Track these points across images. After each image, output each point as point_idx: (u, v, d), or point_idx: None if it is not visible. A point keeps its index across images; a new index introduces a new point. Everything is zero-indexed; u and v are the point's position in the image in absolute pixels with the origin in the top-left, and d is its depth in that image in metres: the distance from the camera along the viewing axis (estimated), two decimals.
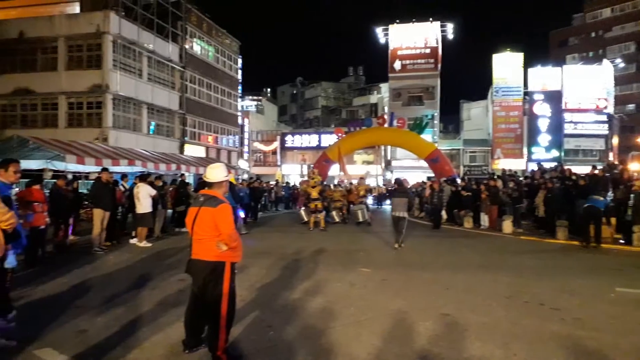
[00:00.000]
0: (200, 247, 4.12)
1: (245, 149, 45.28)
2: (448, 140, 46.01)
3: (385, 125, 27.78)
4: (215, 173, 4.30)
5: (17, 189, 10.38)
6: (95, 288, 7.03)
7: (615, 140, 44.89)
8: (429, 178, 28.81)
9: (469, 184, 18.25)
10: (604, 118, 42.21)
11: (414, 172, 38.64)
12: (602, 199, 11.71)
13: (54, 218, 10.11)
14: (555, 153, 40.83)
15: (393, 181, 12.55)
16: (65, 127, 23.25)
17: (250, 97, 58.06)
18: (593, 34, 61.26)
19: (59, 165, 15.93)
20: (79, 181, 14.50)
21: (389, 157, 43.62)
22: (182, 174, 17.97)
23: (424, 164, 28.91)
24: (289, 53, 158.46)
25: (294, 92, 69.40)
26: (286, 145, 46.54)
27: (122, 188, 12.60)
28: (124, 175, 13.31)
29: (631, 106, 55.37)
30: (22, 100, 24.00)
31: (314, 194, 15.29)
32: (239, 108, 41.47)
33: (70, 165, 15.57)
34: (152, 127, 26.92)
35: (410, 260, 9.75)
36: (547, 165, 22.16)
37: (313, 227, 14.97)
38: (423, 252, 11.03)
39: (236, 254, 4.19)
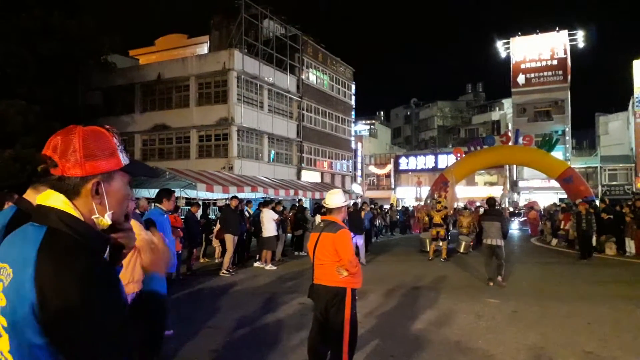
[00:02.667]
0: (322, 272, 4.14)
1: (359, 172, 45.56)
2: (582, 157, 41.87)
3: (510, 143, 26.20)
4: (334, 199, 4.33)
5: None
6: (224, 309, 7.42)
7: None
8: (561, 200, 26.42)
9: (609, 205, 16.33)
10: None
11: (544, 193, 35.86)
12: None
13: (187, 242, 10.99)
14: None
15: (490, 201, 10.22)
16: (196, 157, 25.42)
17: (363, 122, 58.61)
18: None
19: (191, 193, 17.40)
20: (209, 208, 15.63)
21: (515, 178, 40.91)
22: (300, 199, 18.56)
23: (555, 184, 26.64)
24: (403, 75, 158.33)
25: (408, 113, 68.77)
26: (400, 167, 45.96)
27: (247, 214, 13.34)
28: (248, 202, 14.09)
29: None
30: (160, 135, 26.82)
31: (437, 218, 13.80)
32: (352, 133, 42.05)
33: (201, 193, 16.91)
34: (272, 155, 28.35)
35: (543, 291, 8.89)
36: None
37: (433, 257, 13.61)
38: (557, 282, 10.02)
39: (356, 280, 4.14)
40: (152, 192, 13.34)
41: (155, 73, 26.65)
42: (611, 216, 14.90)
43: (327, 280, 4.09)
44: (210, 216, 14.37)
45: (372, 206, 23.02)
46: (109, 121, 26.18)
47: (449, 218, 16.40)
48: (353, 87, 40.55)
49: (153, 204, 5.78)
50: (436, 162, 42.79)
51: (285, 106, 29.75)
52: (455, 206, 19.20)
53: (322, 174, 33.94)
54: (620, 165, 38.60)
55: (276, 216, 12.27)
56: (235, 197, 12.21)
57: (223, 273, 10.80)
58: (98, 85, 25.66)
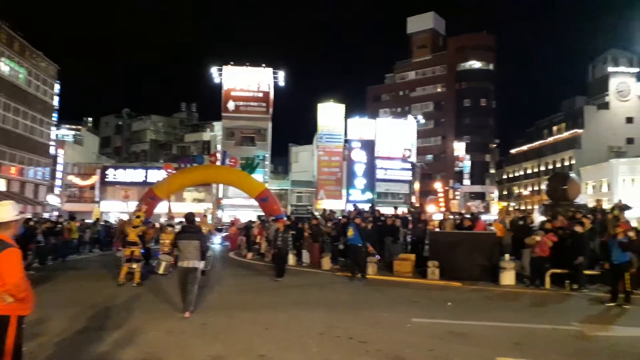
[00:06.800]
0: None
1: (58, 182, 40.58)
2: (278, 180, 47.82)
3: (218, 163, 27.69)
4: (2, 213, 3.79)
5: None
6: None
7: (417, 186, 52.05)
8: (258, 217, 29.29)
9: (293, 222, 19.01)
10: (409, 166, 48.82)
11: (245, 210, 39.00)
12: (351, 234, 12.99)
13: None
14: (369, 195, 45.32)
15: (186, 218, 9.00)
16: None
17: (68, 126, 52.97)
18: (401, 93, 71.08)
19: None
20: None
21: (220, 195, 43.32)
22: None
23: (254, 202, 29.35)
24: (116, 82, 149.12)
25: (120, 123, 65.16)
26: (107, 179, 43.04)
27: None
28: None
29: (430, 156, 65.77)
30: None
31: (133, 236, 11.97)
32: (53, 137, 37.34)
33: None
34: None
35: (232, 301, 9.70)
36: (361, 206, 24.34)
37: (124, 281, 11.60)
38: (245, 292, 11.07)
39: (25, 306, 3.70)
40: None
41: None
42: (294, 232, 17.38)
43: None
44: None
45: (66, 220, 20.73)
46: None
47: (151, 236, 15.50)
48: (57, 86, 36.19)
49: None
50: (146, 177, 41.87)
51: None
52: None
53: (8, 181, 28.81)
54: (305, 189, 45.90)
55: None
56: None
57: None
58: None
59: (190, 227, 8.71)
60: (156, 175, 38.04)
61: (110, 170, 43.73)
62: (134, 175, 43.06)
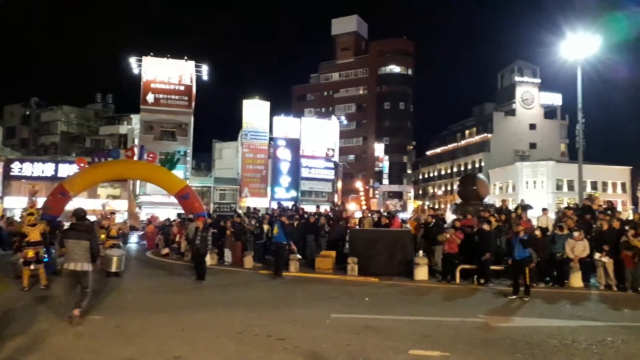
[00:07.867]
0: None
1: None
2: (200, 177, 46.73)
3: (135, 158, 26.42)
4: None
5: None
6: None
7: (339, 184, 53.26)
8: (179, 215, 28.45)
9: (215, 220, 18.69)
10: (332, 165, 49.93)
11: (164, 208, 37.66)
12: (277, 232, 13.28)
13: None
14: (293, 193, 45.71)
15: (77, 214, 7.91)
16: None
17: None
18: (325, 93, 72.26)
19: None
20: None
21: (137, 192, 41.48)
22: None
23: (174, 200, 28.40)
24: (23, 70, 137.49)
25: (27, 113, 60.29)
26: (12, 173, 39.68)
27: None
28: None
29: (352, 156, 67.70)
30: None
31: (34, 235, 10.68)
32: None
33: None
34: None
35: (148, 303, 9.37)
36: (285, 204, 24.45)
37: (28, 286, 10.37)
38: (162, 292, 10.73)
39: None
40: None
41: None
42: (215, 230, 17.04)
43: None
44: None
45: None
46: None
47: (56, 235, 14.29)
48: None
49: None
50: (56, 171, 39.15)
51: None
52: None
53: None
54: (229, 186, 45.30)
55: None
56: None
57: None
58: None
59: (80, 225, 7.70)
60: (67, 169, 35.75)
61: (15, 163, 40.37)
62: (43, 169, 40.10)
